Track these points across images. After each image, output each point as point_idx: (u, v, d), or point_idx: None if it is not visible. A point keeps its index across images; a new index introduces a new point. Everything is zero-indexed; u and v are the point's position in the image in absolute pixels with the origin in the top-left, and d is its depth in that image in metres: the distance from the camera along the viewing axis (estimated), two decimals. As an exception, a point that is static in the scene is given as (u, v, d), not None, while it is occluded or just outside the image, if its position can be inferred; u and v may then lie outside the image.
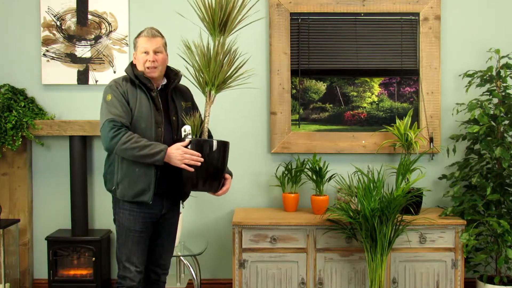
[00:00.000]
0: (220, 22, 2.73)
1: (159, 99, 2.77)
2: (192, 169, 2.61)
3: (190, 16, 2.89)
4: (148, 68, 2.73)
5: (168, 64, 2.87)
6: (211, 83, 2.75)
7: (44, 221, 4.04)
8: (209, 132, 2.85)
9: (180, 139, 2.75)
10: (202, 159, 2.62)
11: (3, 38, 4.00)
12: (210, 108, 2.79)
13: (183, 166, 2.62)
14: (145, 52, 2.74)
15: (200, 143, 2.68)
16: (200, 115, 2.86)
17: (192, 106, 2.92)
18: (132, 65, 2.80)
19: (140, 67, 2.75)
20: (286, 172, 3.85)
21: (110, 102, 2.69)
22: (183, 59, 2.85)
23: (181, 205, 2.99)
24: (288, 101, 3.97)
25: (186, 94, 2.94)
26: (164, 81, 2.85)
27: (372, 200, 3.29)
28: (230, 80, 2.80)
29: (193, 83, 2.83)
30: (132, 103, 2.72)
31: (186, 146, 2.66)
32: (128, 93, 2.73)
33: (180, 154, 2.61)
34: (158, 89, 2.81)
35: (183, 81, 2.92)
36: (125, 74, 2.80)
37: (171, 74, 2.85)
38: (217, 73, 2.73)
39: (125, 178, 2.71)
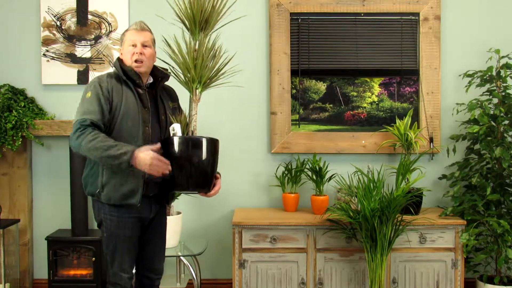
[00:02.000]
0: (200, 21, 2.63)
1: (147, 96, 2.67)
2: (159, 175, 2.45)
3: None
4: (135, 61, 2.62)
5: (157, 64, 2.77)
6: (197, 81, 2.66)
7: (44, 221, 4.04)
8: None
9: (168, 137, 2.61)
10: (169, 168, 2.44)
11: (3, 38, 4.00)
12: (197, 107, 2.70)
13: (150, 172, 2.44)
14: (132, 45, 2.64)
15: (189, 141, 2.56)
16: (185, 115, 2.73)
17: (178, 106, 2.84)
18: (119, 60, 2.69)
19: (127, 61, 2.65)
20: (286, 172, 3.85)
21: (88, 100, 2.56)
22: (163, 61, 2.79)
23: (167, 206, 2.91)
24: (288, 101, 3.97)
25: (172, 95, 2.85)
26: (151, 80, 2.74)
27: (372, 200, 3.29)
28: (215, 78, 2.71)
29: (178, 81, 2.73)
30: (117, 101, 2.59)
31: (172, 144, 2.54)
32: (113, 91, 2.60)
33: (149, 159, 2.42)
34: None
35: (169, 81, 2.83)
36: (109, 71, 2.65)
37: (158, 73, 2.74)
38: (202, 70, 2.63)
39: (111, 180, 2.58)
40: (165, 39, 2.70)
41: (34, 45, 3.99)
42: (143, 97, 2.66)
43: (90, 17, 3.98)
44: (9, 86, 3.90)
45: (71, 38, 3.99)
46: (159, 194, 2.73)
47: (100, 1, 3.97)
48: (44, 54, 3.98)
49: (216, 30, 2.73)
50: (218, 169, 2.71)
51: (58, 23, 3.98)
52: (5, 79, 3.98)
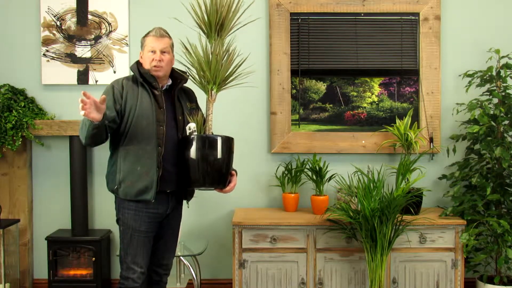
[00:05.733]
0: (216, 25, 2.77)
1: (163, 98, 2.78)
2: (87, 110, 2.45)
3: (188, 18, 2.89)
4: (154, 66, 2.75)
5: (175, 65, 2.91)
6: (213, 82, 2.78)
7: (44, 221, 4.03)
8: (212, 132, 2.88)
9: (185, 136, 2.76)
10: (86, 99, 2.42)
11: (3, 38, 4.00)
12: (213, 106, 2.82)
13: (85, 114, 2.45)
14: (152, 51, 2.77)
15: (205, 139, 2.70)
16: (203, 114, 2.88)
17: (196, 107, 2.95)
18: (138, 63, 2.83)
19: (146, 66, 2.79)
20: (286, 172, 3.85)
21: None
22: (179, 62, 2.88)
23: (185, 204, 2.98)
24: (288, 101, 3.97)
25: (191, 96, 2.98)
26: (169, 82, 2.87)
27: (372, 200, 3.29)
28: (231, 78, 2.84)
29: (194, 82, 2.84)
30: (132, 102, 2.74)
31: (189, 142, 2.69)
32: (128, 93, 2.75)
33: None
34: (163, 88, 2.83)
35: (187, 82, 2.94)
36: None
37: (177, 75, 2.88)
38: (218, 71, 2.76)
39: (128, 177, 2.71)
40: (183, 43, 2.80)
41: (34, 45, 3.99)
42: (159, 98, 2.78)
43: (90, 17, 3.98)
44: (9, 86, 3.90)
45: (71, 38, 3.99)
46: (177, 190, 2.83)
47: (100, 1, 3.97)
48: (44, 54, 3.98)
49: (231, 33, 2.84)
50: None
51: (58, 23, 3.98)
52: (5, 79, 3.98)
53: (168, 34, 2.84)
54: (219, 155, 2.69)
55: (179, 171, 2.75)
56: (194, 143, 2.68)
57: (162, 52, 2.77)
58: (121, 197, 2.75)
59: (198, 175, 2.67)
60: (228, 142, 2.75)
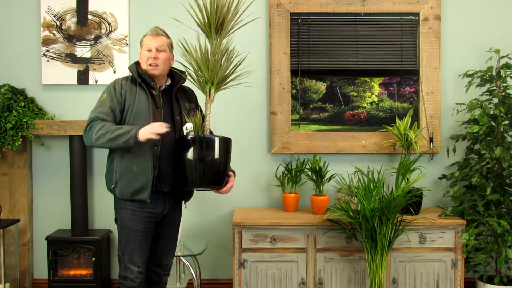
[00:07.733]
0: (216, 25, 2.77)
1: (161, 98, 2.78)
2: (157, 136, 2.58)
3: (188, 18, 2.89)
4: (150, 65, 2.76)
5: (175, 66, 2.92)
6: (211, 82, 2.77)
7: (44, 221, 4.04)
8: (210, 132, 2.87)
9: (182, 136, 2.75)
10: (165, 126, 2.59)
11: (3, 38, 4.00)
12: (211, 107, 2.81)
13: (151, 135, 2.57)
14: (148, 50, 2.78)
15: (202, 140, 2.69)
16: (202, 114, 2.87)
17: (195, 107, 2.95)
18: (136, 64, 2.84)
19: (143, 65, 2.79)
20: (286, 172, 3.85)
21: (102, 101, 2.76)
22: (179, 63, 2.88)
23: (183, 205, 2.98)
24: (288, 101, 3.98)
25: (190, 96, 2.98)
26: (168, 82, 2.87)
27: (372, 200, 3.29)
28: (229, 79, 2.83)
29: (193, 83, 2.85)
30: (130, 102, 2.75)
31: (186, 142, 2.68)
32: (126, 93, 2.76)
33: (151, 126, 2.59)
34: (162, 89, 2.83)
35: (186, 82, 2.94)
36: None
37: (176, 75, 2.88)
38: (216, 71, 2.75)
39: (123, 176, 2.72)
40: (181, 43, 2.80)
41: (34, 45, 3.99)
42: (157, 98, 2.78)
43: (90, 17, 3.98)
44: (9, 86, 3.90)
45: (71, 38, 3.99)
46: (174, 190, 2.83)
47: (100, 1, 3.97)
48: (44, 54, 3.98)
49: (230, 33, 2.84)
50: None
51: (58, 23, 3.98)
52: (5, 79, 3.98)
53: (166, 33, 2.84)
54: (216, 155, 2.68)
55: (175, 171, 2.75)
56: (191, 143, 2.67)
57: (158, 50, 2.77)
58: (118, 197, 2.77)
59: (195, 176, 2.67)
60: (226, 143, 2.73)
